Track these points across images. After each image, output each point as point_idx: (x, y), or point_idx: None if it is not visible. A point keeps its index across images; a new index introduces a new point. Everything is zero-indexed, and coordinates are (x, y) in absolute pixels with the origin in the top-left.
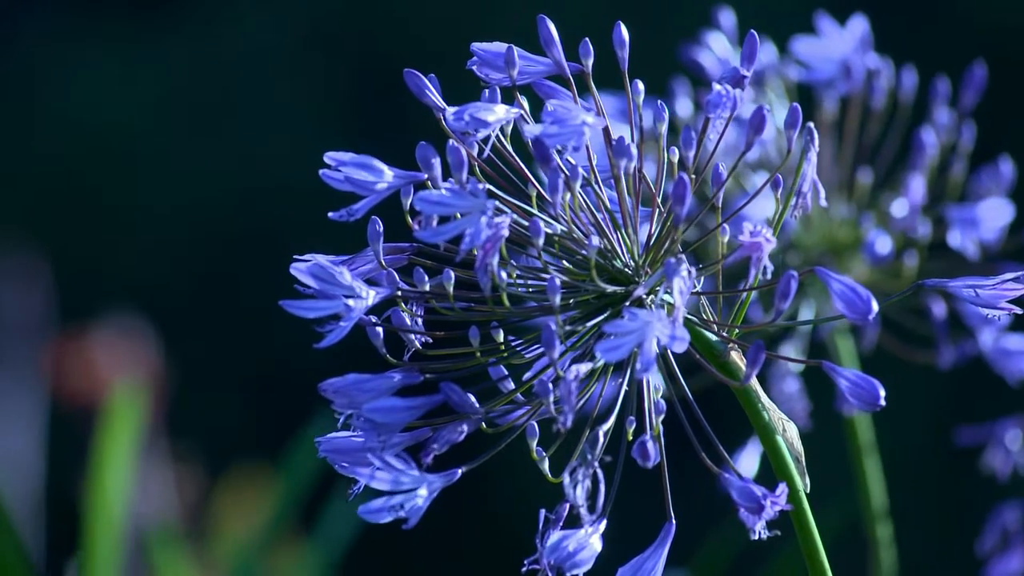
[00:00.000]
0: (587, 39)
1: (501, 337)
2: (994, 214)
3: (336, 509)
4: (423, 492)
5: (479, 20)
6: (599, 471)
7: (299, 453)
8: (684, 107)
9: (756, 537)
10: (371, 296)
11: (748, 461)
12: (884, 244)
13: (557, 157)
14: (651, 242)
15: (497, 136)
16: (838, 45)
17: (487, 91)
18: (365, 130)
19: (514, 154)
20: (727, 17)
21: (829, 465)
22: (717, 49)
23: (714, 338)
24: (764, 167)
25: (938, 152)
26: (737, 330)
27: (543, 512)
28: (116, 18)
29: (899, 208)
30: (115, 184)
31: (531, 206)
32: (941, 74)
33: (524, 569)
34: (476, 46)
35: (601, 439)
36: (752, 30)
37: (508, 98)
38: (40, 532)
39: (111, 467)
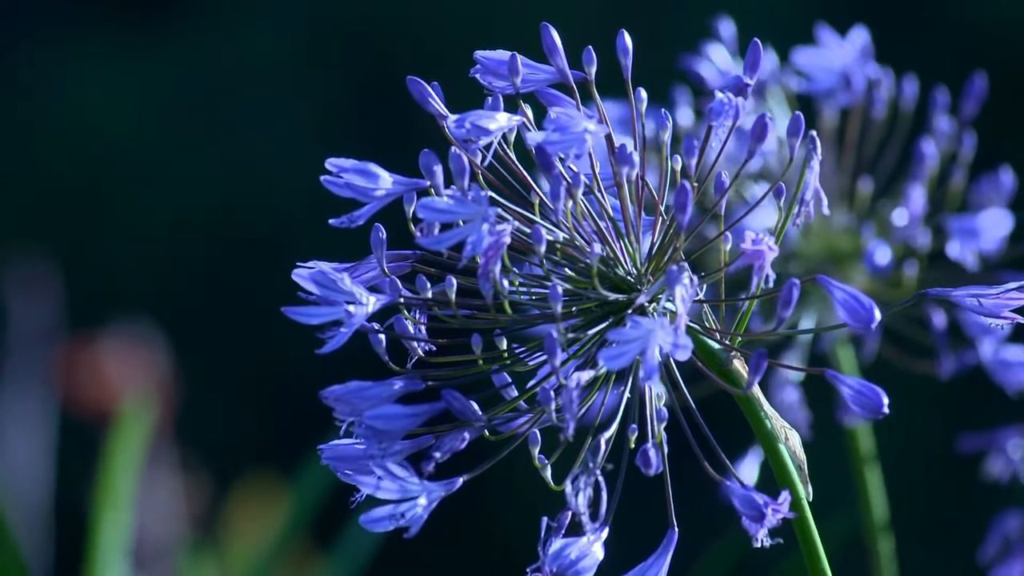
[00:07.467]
0: (591, 47)
1: (504, 344)
2: (994, 224)
3: (355, 523)
4: (423, 501)
5: (480, 23)
6: (601, 479)
7: (311, 464)
8: (685, 116)
9: (759, 545)
10: (372, 303)
11: (749, 469)
12: (884, 254)
13: (559, 165)
14: (653, 250)
15: (499, 143)
16: (838, 55)
17: (490, 99)
18: (365, 135)
19: (516, 162)
20: (727, 27)
21: (830, 477)
22: (717, 60)
23: (716, 346)
24: (765, 177)
25: (938, 162)
26: (739, 338)
27: (545, 520)
28: (117, 24)
29: (899, 218)
30: (120, 191)
31: (534, 213)
32: (941, 84)
33: None
34: (480, 54)
35: (603, 447)
36: (755, 39)
37: (512, 106)
38: (48, 541)
39: (119, 477)
